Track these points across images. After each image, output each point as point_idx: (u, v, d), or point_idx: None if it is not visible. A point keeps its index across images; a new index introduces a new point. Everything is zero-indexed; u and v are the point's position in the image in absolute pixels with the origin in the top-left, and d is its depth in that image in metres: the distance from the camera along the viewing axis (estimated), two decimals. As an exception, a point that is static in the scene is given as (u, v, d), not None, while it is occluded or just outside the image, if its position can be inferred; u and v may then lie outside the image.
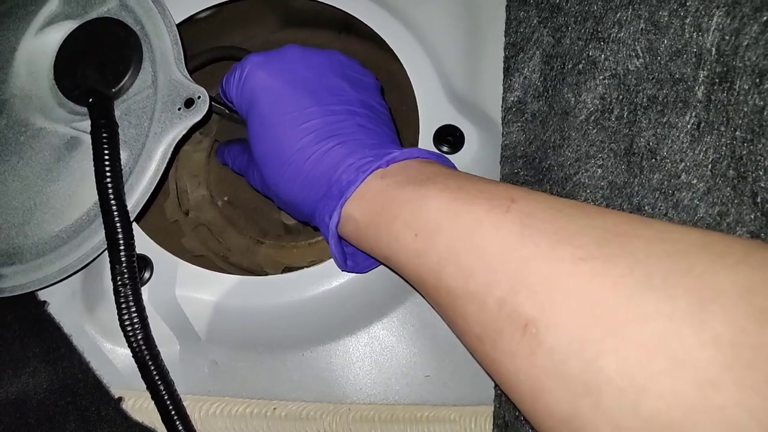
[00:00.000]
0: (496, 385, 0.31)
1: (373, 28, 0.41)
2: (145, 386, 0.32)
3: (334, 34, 0.48)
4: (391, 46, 0.40)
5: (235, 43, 0.45)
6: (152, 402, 0.32)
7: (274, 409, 0.32)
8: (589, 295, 0.18)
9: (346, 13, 0.42)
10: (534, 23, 0.36)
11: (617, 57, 0.31)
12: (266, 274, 0.41)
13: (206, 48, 0.42)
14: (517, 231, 0.21)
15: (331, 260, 0.34)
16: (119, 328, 0.33)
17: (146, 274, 0.33)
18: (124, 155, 0.32)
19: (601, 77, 0.32)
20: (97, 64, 0.34)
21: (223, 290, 0.33)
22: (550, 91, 0.35)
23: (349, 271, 0.32)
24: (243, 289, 0.33)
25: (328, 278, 0.33)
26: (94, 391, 0.31)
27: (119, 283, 0.29)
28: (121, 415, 0.31)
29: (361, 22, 0.41)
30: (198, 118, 0.31)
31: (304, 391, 0.33)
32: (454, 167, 0.30)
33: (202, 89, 0.32)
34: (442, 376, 0.33)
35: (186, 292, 0.33)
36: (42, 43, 0.35)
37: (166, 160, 0.32)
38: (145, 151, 0.32)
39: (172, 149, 0.32)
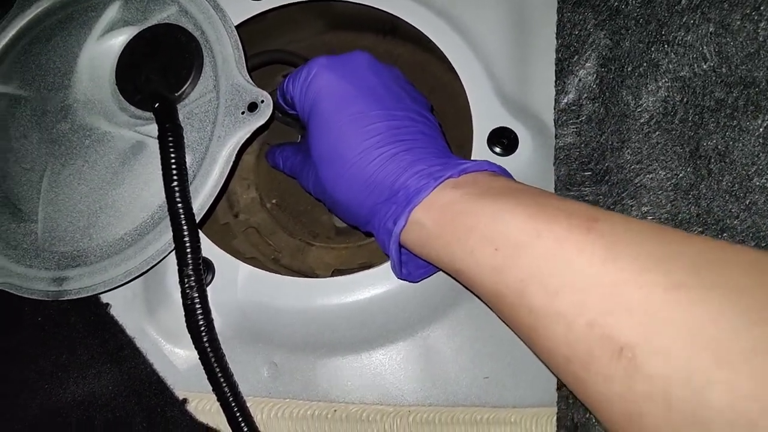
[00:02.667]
0: (559, 387, 0.31)
1: (421, 30, 0.41)
2: (207, 388, 0.32)
3: (378, 36, 0.48)
4: (440, 48, 0.40)
5: (280, 46, 0.45)
6: (215, 404, 0.32)
7: (335, 411, 0.32)
8: (690, 323, 0.18)
9: (391, 15, 0.42)
10: (590, 26, 0.36)
11: (682, 60, 0.31)
12: (316, 276, 0.41)
13: (253, 52, 0.42)
14: (601, 254, 0.21)
15: (386, 264, 0.34)
16: (181, 329, 0.33)
17: (208, 277, 0.33)
18: (187, 158, 0.32)
19: (663, 80, 0.32)
20: (159, 69, 0.34)
21: (282, 292, 0.33)
22: (606, 94, 0.35)
23: (403, 279, 0.32)
24: (302, 292, 0.33)
25: (386, 281, 0.34)
26: (159, 393, 0.31)
27: (187, 286, 0.30)
28: (187, 416, 0.31)
29: (407, 23, 0.41)
30: (262, 121, 0.32)
31: (363, 393, 0.33)
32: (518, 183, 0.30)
33: (266, 93, 0.32)
34: (501, 377, 0.33)
35: (246, 294, 0.33)
36: (104, 48, 0.36)
37: (230, 164, 0.32)
38: (209, 155, 0.32)
39: (235, 153, 0.32)
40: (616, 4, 0.35)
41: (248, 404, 0.32)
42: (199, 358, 0.30)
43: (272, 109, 0.32)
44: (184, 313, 0.30)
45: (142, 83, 0.34)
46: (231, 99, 0.33)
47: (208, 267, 0.33)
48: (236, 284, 0.33)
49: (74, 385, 0.32)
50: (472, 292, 0.28)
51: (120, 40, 0.36)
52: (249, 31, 0.44)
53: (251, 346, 0.34)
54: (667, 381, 0.18)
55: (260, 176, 0.44)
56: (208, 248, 0.34)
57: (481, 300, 0.27)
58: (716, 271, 0.19)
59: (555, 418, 0.31)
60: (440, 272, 0.34)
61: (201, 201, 0.31)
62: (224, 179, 0.32)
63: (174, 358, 0.34)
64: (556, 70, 0.38)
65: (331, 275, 0.41)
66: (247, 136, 0.32)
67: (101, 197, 0.33)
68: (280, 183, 0.44)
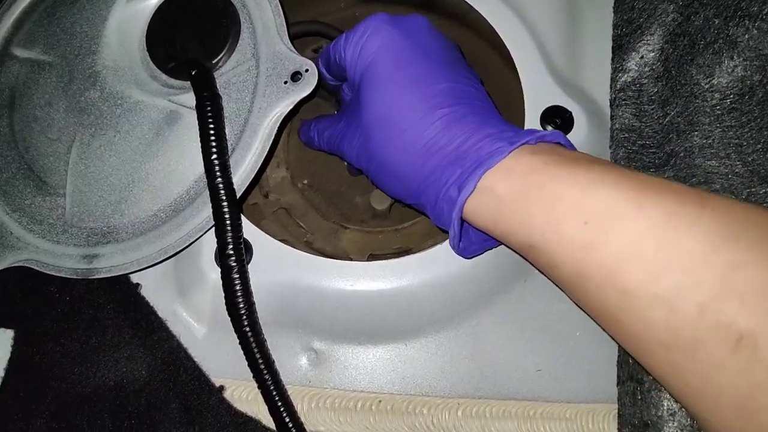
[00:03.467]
0: (620, 382, 0.30)
1: (468, 1, 0.38)
2: (243, 375, 0.30)
3: (412, 10, 0.46)
4: (488, 20, 0.37)
5: (314, 17, 0.43)
6: (253, 391, 0.30)
7: (380, 402, 0.31)
8: None
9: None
10: (658, -3, 0.33)
11: (765, 36, 0.29)
12: (351, 260, 0.39)
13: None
14: (718, 230, 0.18)
15: (436, 248, 0.32)
16: (217, 312, 0.31)
17: (247, 258, 0.31)
18: (227, 130, 0.30)
19: (741, 58, 0.30)
20: (194, 35, 0.32)
21: (324, 276, 0.31)
22: (672, 72, 0.33)
23: (458, 253, 0.29)
24: (344, 275, 0.31)
25: (432, 266, 0.32)
26: (194, 379, 0.30)
27: (228, 265, 0.28)
28: (224, 404, 0.29)
29: (447, -3, 0.39)
30: (307, 92, 0.29)
31: (408, 383, 0.32)
32: None
33: (310, 62, 0.30)
34: (555, 370, 0.31)
35: (286, 276, 0.31)
36: (133, 12, 0.34)
37: (272, 137, 0.30)
38: (248, 127, 0.30)
39: (278, 125, 0.30)
40: (688, -26, 0.32)
41: (289, 393, 0.30)
42: (239, 344, 0.28)
43: (318, 79, 0.30)
44: (224, 296, 0.28)
45: (175, 50, 0.32)
46: (272, 68, 0.30)
47: (246, 247, 0.31)
48: (275, 266, 0.31)
49: (105, 369, 0.30)
50: (542, 272, 0.26)
51: (151, 3, 0.34)
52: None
53: (290, 332, 0.32)
54: None
55: (291, 154, 0.42)
56: (246, 227, 0.32)
57: (554, 281, 0.25)
58: None
59: (614, 414, 0.29)
60: (489, 255, 0.32)
61: (241, 176, 0.29)
62: (265, 154, 0.30)
63: (208, 342, 0.32)
64: (613, 47, 0.36)
65: (367, 259, 0.39)
66: (291, 107, 0.30)
67: (134, 170, 0.31)
68: (312, 162, 0.42)
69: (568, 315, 0.32)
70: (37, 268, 0.30)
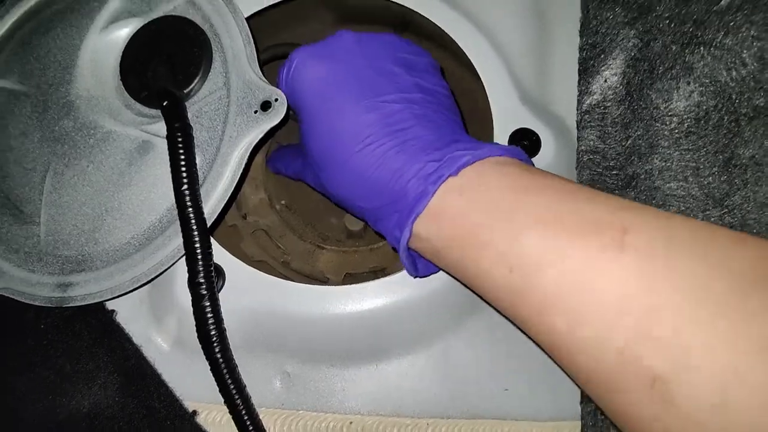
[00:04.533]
0: (582, 400, 0.30)
1: (438, 24, 0.39)
2: (217, 398, 0.31)
3: (387, 30, 0.46)
4: (458, 43, 0.38)
5: (290, 40, 0.44)
6: (225, 415, 0.31)
7: (351, 423, 0.31)
8: (728, 359, 0.17)
9: (405, 8, 0.40)
10: (618, 23, 0.34)
11: (719, 64, 0.30)
12: (327, 280, 0.40)
13: (262, 47, 0.40)
14: (635, 275, 0.19)
15: (401, 272, 0.33)
16: (191, 338, 0.32)
17: (219, 283, 0.32)
18: (199, 158, 0.31)
19: (697, 84, 0.31)
20: (166, 64, 0.32)
21: (295, 300, 0.32)
22: (634, 96, 0.34)
23: (421, 276, 0.30)
24: (316, 299, 0.32)
25: (402, 289, 0.32)
26: (168, 405, 0.30)
27: (198, 293, 0.28)
28: (197, 429, 0.30)
29: (422, 17, 0.40)
30: (276, 121, 0.30)
31: (379, 404, 0.32)
32: (530, 162, 0.28)
33: (279, 91, 0.31)
34: (521, 389, 0.32)
35: (258, 301, 0.32)
36: (106, 41, 0.34)
37: (242, 166, 0.30)
38: (219, 156, 0.30)
39: (248, 154, 0.30)
40: (647, 2, 0.33)
41: (261, 416, 0.31)
42: (211, 369, 0.29)
43: (287, 108, 0.30)
44: (195, 323, 0.29)
45: (148, 79, 0.33)
46: (243, 97, 0.31)
47: (218, 273, 0.32)
48: (248, 291, 0.32)
49: (79, 396, 0.30)
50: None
51: (124, 32, 0.34)
52: (257, 23, 0.42)
53: (263, 356, 0.33)
54: (703, 417, 0.17)
55: (269, 176, 0.42)
56: (219, 254, 0.33)
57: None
58: (765, 297, 0.17)
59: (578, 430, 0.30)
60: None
61: (212, 205, 0.30)
62: (236, 182, 0.30)
63: (182, 367, 0.32)
64: (579, 70, 0.37)
65: (343, 279, 0.40)
66: (260, 136, 0.30)
67: (107, 199, 0.31)
68: (289, 184, 0.42)
69: (534, 335, 0.33)
70: (12, 297, 0.31)
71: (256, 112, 0.30)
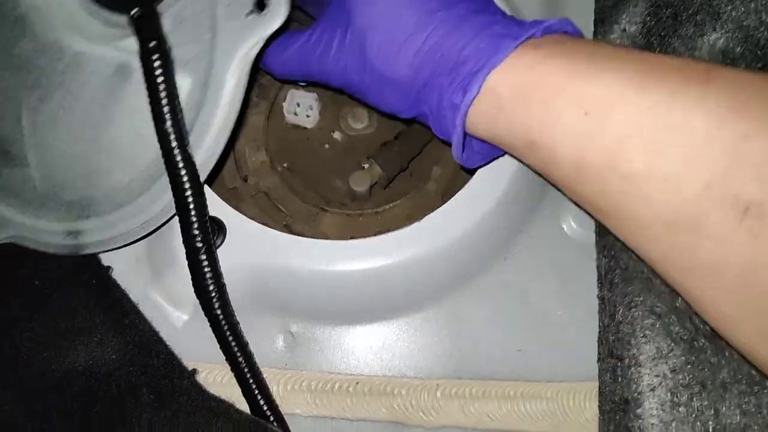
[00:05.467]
0: (600, 359, 0.29)
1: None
2: (217, 358, 0.30)
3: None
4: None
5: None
6: (227, 375, 0.30)
7: (357, 383, 0.30)
8: None
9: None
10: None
11: (748, 7, 0.28)
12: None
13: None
14: (725, 104, 0.18)
15: (414, 226, 0.31)
16: (190, 295, 0.30)
17: (219, 238, 0.30)
18: (187, 81, 0.26)
19: (723, 30, 0.29)
20: None
21: (300, 255, 0.31)
22: (654, 45, 0.32)
23: (462, 163, 0.28)
24: (321, 255, 0.31)
25: (411, 244, 0.31)
26: (166, 363, 0.29)
27: (193, 246, 0.27)
28: (197, 388, 0.29)
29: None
30: (277, 24, 0.25)
31: (386, 365, 0.31)
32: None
33: None
34: (535, 350, 0.31)
35: (261, 257, 0.31)
36: None
37: (245, 85, 0.26)
38: (213, 76, 0.25)
39: (249, 68, 0.25)
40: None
41: (264, 376, 0.30)
42: (211, 327, 0.28)
43: (289, 5, 0.25)
44: (191, 278, 0.27)
45: None
46: None
47: (219, 228, 0.31)
48: (250, 247, 0.31)
49: (75, 353, 0.29)
50: (541, 173, 0.25)
51: None
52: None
53: (266, 314, 0.31)
54: None
55: (270, 137, 0.41)
56: (219, 208, 0.31)
57: (553, 180, 0.25)
58: None
59: (594, 392, 0.29)
60: (468, 232, 0.31)
61: (214, 135, 0.26)
62: (239, 104, 0.26)
63: (182, 325, 0.31)
64: (595, 20, 0.35)
65: (348, 242, 0.39)
66: (260, 45, 0.25)
67: (95, 137, 0.28)
68: (291, 145, 0.41)
69: (548, 293, 0.32)
70: (25, 245, 0.29)
71: (250, 13, 0.25)
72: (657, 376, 0.27)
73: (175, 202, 0.26)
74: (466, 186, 0.32)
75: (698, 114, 0.18)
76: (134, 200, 0.28)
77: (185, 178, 0.26)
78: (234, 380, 0.29)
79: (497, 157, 0.30)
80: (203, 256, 0.27)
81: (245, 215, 0.39)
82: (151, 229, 0.28)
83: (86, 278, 0.31)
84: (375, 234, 0.39)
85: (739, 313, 0.19)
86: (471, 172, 0.32)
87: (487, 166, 0.31)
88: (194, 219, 0.26)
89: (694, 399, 0.27)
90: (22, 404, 0.28)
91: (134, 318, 0.30)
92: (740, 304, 0.19)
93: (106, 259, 0.32)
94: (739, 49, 0.29)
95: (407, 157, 0.38)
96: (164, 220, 0.28)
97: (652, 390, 0.27)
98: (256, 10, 0.25)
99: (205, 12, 0.26)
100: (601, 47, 0.23)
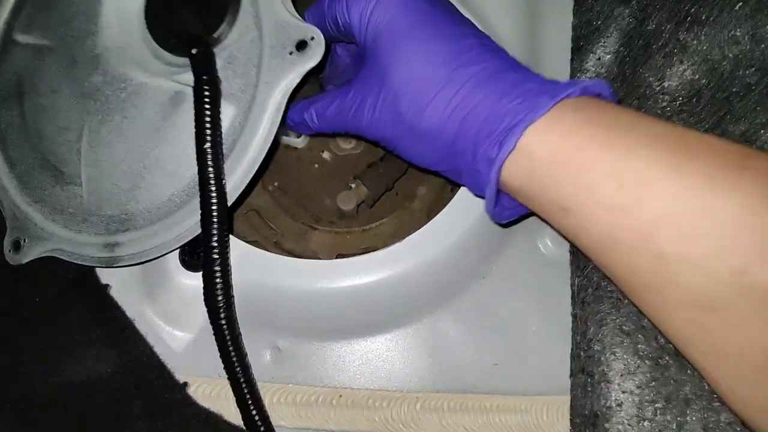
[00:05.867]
0: (572, 374, 0.31)
1: None
2: (208, 372, 0.31)
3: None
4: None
5: None
6: (216, 388, 0.31)
7: (340, 396, 0.32)
8: None
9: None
10: (613, 1, 0.34)
11: (713, 42, 0.29)
12: (317, 259, 0.40)
13: None
14: (758, 192, 0.19)
15: (396, 245, 0.33)
16: (182, 312, 0.32)
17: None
18: (231, 109, 0.29)
19: (690, 62, 0.31)
20: (192, 9, 0.31)
21: (286, 274, 0.32)
22: (627, 74, 0.34)
23: (493, 217, 0.28)
24: (306, 273, 0.32)
25: (392, 264, 0.32)
26: (159, 376, 0.31)
27: (209, 258, 0.28)
28: (188, 400, 0.30)
29: None
30: (314, 62, 0.28)
31: (368, 379, 0.32)
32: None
33: (316, 29, 0.29)
34: (510, 364, 0.32)
35: (250, 275, 0.32)
36: None
37: (281, 112, 0.29)
38: (256, 103, 0.29)
39: (286, 99, 0.29)
40: (641, -21, 0.33)
41: (253, 389, 0.31)
42: (214, 336, 0.28)
43: (324, 48, 0.28)
44: (203, 287, 0.28)
45: (174, 25, 0.31)
46: (276, 38, 0.29)
47: (209, 248, 0.32)
48: (240, 266, 0.32)
49: (72, 367, 0.31)
50: (569, 238, 0.26)
51: None
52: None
53: (254, 329, 0.33)
54: None
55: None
56: (210, 229, 0.33)
57: (582, 247, 0.25)
58: None
59: (566, 406, 0.30)
60: (449, 252, 0.32)
61: (253, 153, 0.28)
62: (276, 128, 0.29)
63: (173, 341, 0.33)
64: (572, 48, 0.37)
65: (335, 259, 0.40)
66: (298, 80, 0.29)
67: (144, 155, 0.30)
68: (282, 164, 0.43)
69: (523, 311, 0.33)
70: (62, 257, 0.31)
71: (291, 53, 0.28)
72: (624, 392, 0.29)
73: (201, 214, 0.28)
74: (446, 207, 0.33)
75: (731, 201, 0.19)
76: (172, 214, 0.30)
77: (213, 194, 0.27)
78: (222, 393, 0.31)
79: (526, 216, 0.30)
80: (217, 268, 0.28)
81: (237, 233, 0.40)
82: (182, 243, 0.30)
83: (85, 295, 0.33)
84: (362, 251, 0.40)
85: (759, 396, 0.19)
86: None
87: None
88: (215, 232, 0.27)
89: (659, 414, 0.28)
90: (19, 415, 0.30)
91: (129, 334, 0.32)
92: (760, 389, 0.19)
93: (104, 278, 0.33)
94: (704, 80, 0.31)
95: (392, 178, 0.40)
96: (196, 234, 0.29)
97: (620, 405, 0.28)
98: (297, 51, 0.28)
99: (253, 53, 0.29)
100: (641, 119, 0.23)
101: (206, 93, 0.27)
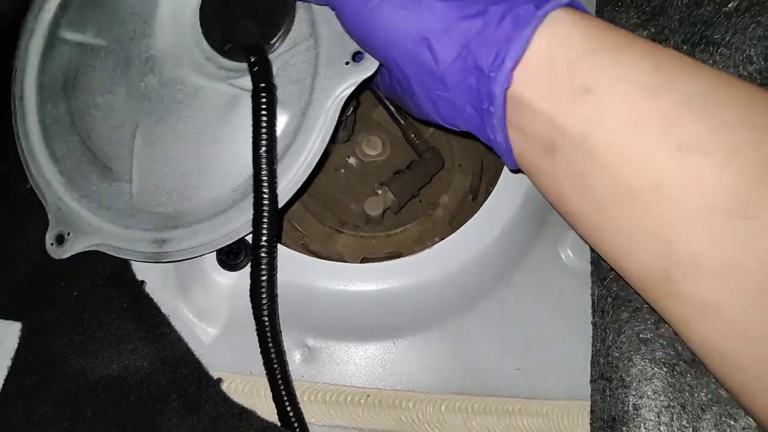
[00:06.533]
0: (592, 380, 0.32)
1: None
2: (240, 369, 0.32)
3: None
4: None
5: None
6: (248, 384, 0.32)
7: (368, 396, 0.33)
8: None
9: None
10: (632, 24, 0.36)
11: (728, 62, 0.31)
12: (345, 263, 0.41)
13: None
14: None
15: (425, 252, 0.34)
16: (217, 309, 0.33)
17: (245, 258, 0.33)
18: (285, 115, 0.30)
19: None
20: (248, 15, 0.31)
21: (318, 276, 0.33)
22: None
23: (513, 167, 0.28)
24: (338, 276, 0.33)
25: (420, 270, 0.34)
26: (194, 372, 0.32)
27: (257, 258, 0.29)
28: (222, 395, 0.31)
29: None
30: (369, 73, 0.29)
31: (395, 379, 0.33)
32: None
33: None
34: (533, 369, 0.33)
35: (284, 276, 0.33)
36: None
37: (336, 119, 0.30)
38: (311, 109, 0.30)
39: (340, 108, 0.29)
40: (660, 3, 0.35)
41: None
42: (257, 333, 0.29)
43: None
44: (249, 286, 0.29)
45: (230, 31, 0.31)
46: (332, 47, 0.29)
47: (245, 247, 0.33)
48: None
49: (109, 361, 0.32)
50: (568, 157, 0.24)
51: None
52: None
53: (286, 328, 0.34)
54: None
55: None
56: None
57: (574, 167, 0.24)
58: None
59: (587, 411, 0.32)
60: (474, 260, 0.33)
61: (306, 158, 0.29)
62: (329, 136, 0.30)
63: (206, 337, 0.34)
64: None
65: (360, 263, 0.41)
66: (353, 88, 0.29)
67: (198, 155, 0.31)
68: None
69: (546, 317, 0.34)
70: (109, 252, 0.32)
71: (347, 63, 0.29)
72: (641, 397, 0.30)
73: (253, 215, 0.29)
74: (473, 218, 0.35)
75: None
76: (222, 213, 0.30)
77: (266, 196, 0.28)
78: (256, 390, 0.32)
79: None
80: (265, 267, 0.29)
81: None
82: (233, 240, 0.30)
83: (121, 291, 0.33)
84: (387, 255, 0.42)
85: None
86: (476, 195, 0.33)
87: (494, 198, 0.34)
88: (265, 233, 0.28)
89: (674, 419, 0.29)
90: (59, 406, 0.30)
91: (165, 329, 0.33)
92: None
93: (139, 274, 0.34)
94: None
95: (418, 185, 0.42)
96: (246, 233, 0.30)
97: (637, 410, 0.30)
98: (353, 62, 0.29)
99: (309, 61, 0.30)
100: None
101: (263, 100, 0.28)
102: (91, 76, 0.34)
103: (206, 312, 0.34)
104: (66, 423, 0.30)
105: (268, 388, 0.30)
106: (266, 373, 0.29)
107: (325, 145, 0.30)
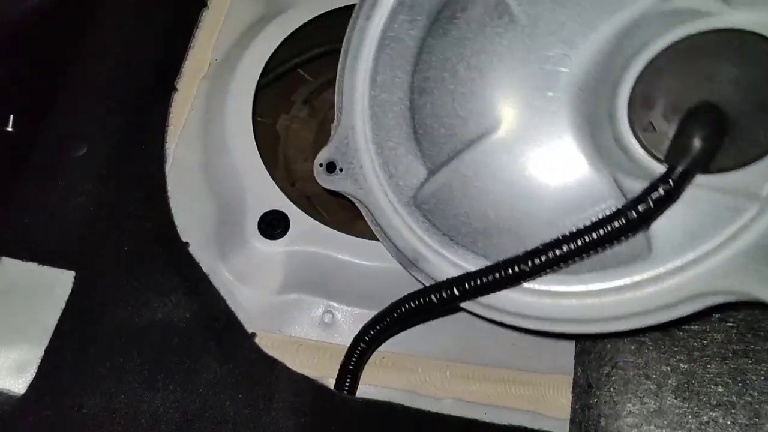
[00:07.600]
0: (576, 354, 0.37)
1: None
2: (270, 328, 0.36)
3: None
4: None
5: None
6: (276, 341, 0.36)
7: (383, 358, 0.37)
8: None
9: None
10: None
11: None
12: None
13: None
14: None
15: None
16: (254, 273, 0.37)
17: (283, 230, 0.37)
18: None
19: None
20: (752, 116, 0.22)
21: (347, 250, 0.38)
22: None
23: None
24: (365, 252, 0.38)
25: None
26: (230, 325, 0.35)
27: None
28: (255, 347, 0.35)
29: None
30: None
31: (408, 346, 0.38)
32: None
33: None
34: (526, 344, 0.38)
35: (317, 248, 0.37)
36: (626, 39, 0.25)
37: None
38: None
39: (691, 310, 0.25)
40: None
41: (304, 347, 0.36)
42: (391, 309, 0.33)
43: None
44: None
45: (682, 128, 0.23)
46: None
47: (285, 220, 0.37)
48: (308, 238, 0.38)
49: (154, 309, 0.35)
50: None
51: (666, 38, 0.24)
52: None
53: (314, 294, 0.38)
54: None
55: (317, 151, 0.48)
56: (286, 205, 0.38)
57: None
58: None
59: (569, 382, 0.36)
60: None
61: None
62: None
63: (243, 297, 0.37)
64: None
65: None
66: (731, 300, 0.24)
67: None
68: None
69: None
70: None
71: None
72: (613, 367, 0.35)
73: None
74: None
75: None
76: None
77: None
78: (284, 346, 0.36)
79: None
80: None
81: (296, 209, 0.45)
82: None
83: (166, 250, 0.37)
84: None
85: None
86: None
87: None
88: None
89: (640, 384, 0.35)
90: (109, 345, 0.34)
91: (204, 286, 0.36)
92: None
93: (184, 236, 0.38)
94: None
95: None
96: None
97: (609, 377, 0.35)
98: None
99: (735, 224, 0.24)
100: None
101: (641, 209, 0.23)
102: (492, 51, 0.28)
103: (243, 274, 0.38)
104: (114, 362, 0.33)
105: (295, 344, 0.34)
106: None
107: None
